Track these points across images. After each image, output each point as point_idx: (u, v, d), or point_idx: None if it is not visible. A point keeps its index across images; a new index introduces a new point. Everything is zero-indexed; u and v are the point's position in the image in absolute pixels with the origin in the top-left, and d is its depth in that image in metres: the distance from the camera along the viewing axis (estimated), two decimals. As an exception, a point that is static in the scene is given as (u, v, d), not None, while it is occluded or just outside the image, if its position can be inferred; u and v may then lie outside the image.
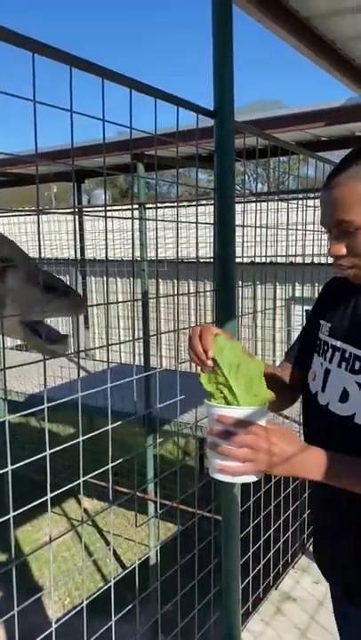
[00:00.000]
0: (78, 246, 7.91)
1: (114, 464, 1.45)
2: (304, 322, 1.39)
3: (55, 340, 1.27)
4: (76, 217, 7.88)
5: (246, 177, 21.57)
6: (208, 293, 1.81)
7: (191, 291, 7.55)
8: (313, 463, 0.97)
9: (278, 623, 2.48)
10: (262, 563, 2.61)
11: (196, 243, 1.74)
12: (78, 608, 1.43)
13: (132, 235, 1.54)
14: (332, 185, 1.06)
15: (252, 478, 0.96)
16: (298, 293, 6.87)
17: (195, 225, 1.71)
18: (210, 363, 1.02)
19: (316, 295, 1.37)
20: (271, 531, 2.71)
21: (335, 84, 2.70)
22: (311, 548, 1.68)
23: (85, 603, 1.43)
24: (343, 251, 1.07)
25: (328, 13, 2.09)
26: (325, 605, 2.52)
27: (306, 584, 2.76)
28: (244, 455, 0.92)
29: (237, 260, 1.71)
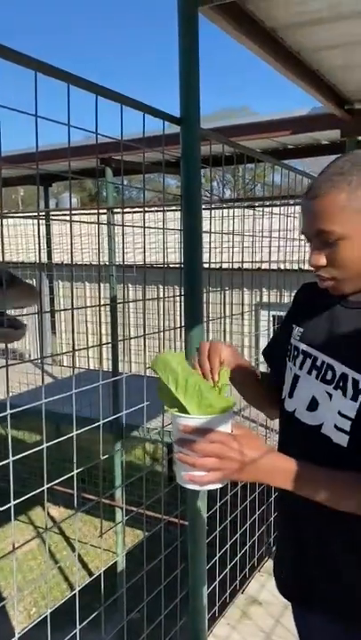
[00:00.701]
0: (44, 250, 7.81)
1: (78, 470, 1.44)
2: (271, 327, 1.41)
3: (4, 325, 1.20)
4: (42, 221, 7.78)
5: (215, 184, 21.77)
6: (178, 298, 1.81)
7: (162, 296, 7.53)
8: (277, 469, 0.96)
9: (244, 627, 2.49)
10: (229, 567, 2.62)
11: (164, 248, 1.75)
12: (42, 617, 1.41)
13: (98, 239, 1.54)
14: (313, 194, 1.02)
15: (218, 485, 0.96)
16: (265, 299, 6.96)
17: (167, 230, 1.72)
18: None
19: (283, 300, 1.38)
20: (238, 535, 2.72)
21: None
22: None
23: (49, 612, 1.42)
24: (323, 261, 1.04)
25: (292, 24, 2.12)
26: (290, 609, 2.55)
27: (271, 587, 2.77)
28: (210, 465, 0.91)
29: (205, 265, 1.72)
